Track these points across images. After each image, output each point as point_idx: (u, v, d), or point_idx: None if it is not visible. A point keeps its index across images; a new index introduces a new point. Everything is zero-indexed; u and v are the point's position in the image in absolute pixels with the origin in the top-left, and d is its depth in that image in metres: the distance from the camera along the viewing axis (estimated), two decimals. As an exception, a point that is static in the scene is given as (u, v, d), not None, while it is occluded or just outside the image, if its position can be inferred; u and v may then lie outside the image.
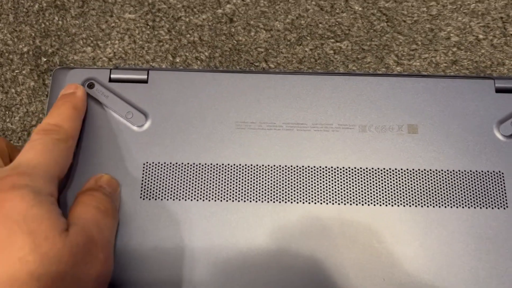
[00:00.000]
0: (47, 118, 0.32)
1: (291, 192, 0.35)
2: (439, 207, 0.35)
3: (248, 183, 0.35)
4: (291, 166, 0.35)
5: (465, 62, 0.41)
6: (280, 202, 0.35)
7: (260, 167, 0.35)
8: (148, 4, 0.42)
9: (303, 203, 0.35)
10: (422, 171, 0.36)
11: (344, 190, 0.35)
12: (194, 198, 0.34)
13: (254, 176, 0.35)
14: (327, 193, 0.35)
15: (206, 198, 0.34)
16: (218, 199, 0.34)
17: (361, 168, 0.36)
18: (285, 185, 0.35)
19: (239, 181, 0.35)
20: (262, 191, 0.35)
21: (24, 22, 0.41)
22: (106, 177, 0.33)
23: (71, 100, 0.34)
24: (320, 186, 0.35)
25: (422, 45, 0.41)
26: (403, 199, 0.35)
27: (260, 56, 0.41)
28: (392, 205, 0.35)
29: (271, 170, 0.35)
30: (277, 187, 0.35)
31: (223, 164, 0.35)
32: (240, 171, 0.35)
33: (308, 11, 0.42)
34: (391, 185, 0.35)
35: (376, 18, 0.42)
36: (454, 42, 0.41)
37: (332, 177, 0.35)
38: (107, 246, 0.30)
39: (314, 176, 0.35)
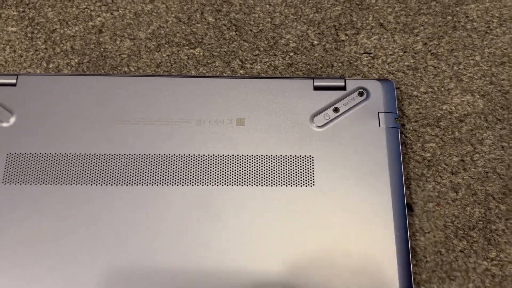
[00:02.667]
0: None
1: (143, 177, 0.41)
2: (262, 186, 0.42)
3: (103, 169, 0.41)
4: (144, 154, 0.42)
5: (300, 65, 0.48)
6: (130, 185, 0.41)
7: (113, 155, 0.42)
8: (28, 19, 0.49)
9: (152, 185, 0.41)
10: (247, 156, 0.42)
11: (186, 173, 0.42)
12: (53, 183, 0.41)
13: (110, 164, 0.42)
14: (170, 176, 0.41)
15: (62, 183, 0.41)
16: (71, 183, 0.41)
17: (198, 154, 0.42)
18: (139, 171, 0.42)
19: (94, 168, 0.41)
20: (117, 177, 0.41)
21: None
22: None
23: None
24: (165, 171, 0.42)
25: (264, 51, 0.48)
26: (232, 180, 0.42)
27: (123, 61, 0.47)
28: (222, 185, 0.41)
29: (124, 158, 0.42)
30: (129, 172, 0.41)
31: (75, 154, 0.42)
32: (93, 160, 0.42)
33: (167, 22, 0.49)
34: (221, 169, 0.42)
35: (227, 28, 0.49)
36: (292, 48, 0.48)
37: (173, 163, 0.42)
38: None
39: (158, 163, 0.42)
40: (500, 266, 0.41)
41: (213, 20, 0.49)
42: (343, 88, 0.44)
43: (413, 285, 0.39)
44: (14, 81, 0.44)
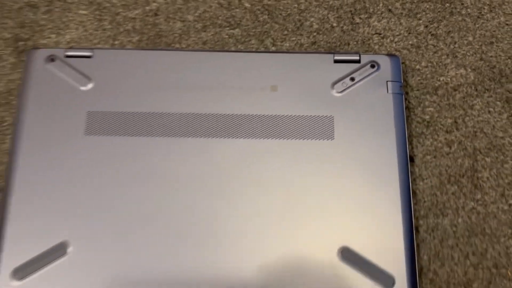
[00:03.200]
0: None
1: (197, 130, 0.51)
2: (292, 139, 0.51)
3: (165, 124, 0.51)
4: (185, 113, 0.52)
5: (322, 43, 0.57)
6: (189, 137, 0.51)
7: (172, 114, 0.52)
8: (96, 3, 0.58)
9: (205, 138, 0.51)
10: (280, 116, 0.52)
11: (231, 129, 0.51)
12: (126, 135, 0.51)
13: (170, 120, 0.52)
14: (219, 131, 0.51)
15: (133, 135, 0.51)
16: (137, 135, 0.51)
17: (240, 114, 0.52)
18: (194, 126, 0.51)
19: (157, 123, 0.51)
20: (176, 131, 0.51)
21: (7, 16, 0.58)
22: None
23: None
24: (215, 127, 0.51)
25: (292, 31, 0.58)
26: (267, 134, 0.51)
27: (176, 39, 0.57)
28: (260, 138, 0.51)
29: (182, 116, 0.52)
30: (187, 127, 0.51)
31: (141, 112, 0.52)
32: (156, 117, 0.52)
33: (211, 7, 0.59)
34: (259, 126, 0.52)
35: (260, 12, 0.59)
36: (315, 29, 0.58)
37: (220, 120, 0.52)
38: None
39: (209, 120, 0.52)
40: (484, 205, 0.51)
41: (249, 5, 0.59)
42: (358, 61, 0.54)
43: (413, 219, 0.49)
44: (90, 53, 0.54)
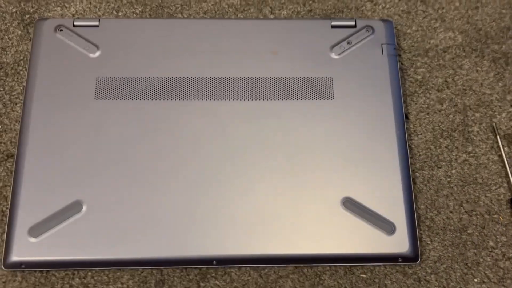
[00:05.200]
0: None
1: (199, 93, 0.54)
2: (293, 100, 0.54)
3: (170, 88, 0.53)
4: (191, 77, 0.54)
5: (317, 11, 0.60)
6: (191, 100, 0.53)
7: (176, 78, 0.54)
8: (99, -23, 0.60)
9: (207, 100, 0.53)
10: (281, 78, 0.55)
11: (234, 90, 0.54)
12: (134, 99, 0.53)
13: (174, 83, 0.54)
14: (222, 93, 0.54)
15: (140, 99, 0.53)
16: (144, 99, 0.53)
17: (243, 77, 0.54)
18: (196, 89, 0.54)
19: (162, 86, 0.53)
20: (180, 94, 0.53)
21: (12, -9, 0.60)
22: None
23: None
24: (218, 89, 0.54)
25: (289, 0, 0.61)
26: (269, 95, 0.54)
27: (177, 10, 0.59)
28: (261, 100, 0.54)
29: (186, 80, 0.54)
30: (189, 90, 0.54)
31: (147, 77, 0.54)
32: (161, 80, 0.54)
33: (211, -21, 0.61)
34: (261, 87, 0.54)
35: (258, -17, 0.61)
36: (310, -2, 0.61)
37: (223, 83, 0.54)
38: None
39: (212, 82, 0.54)
40: (476, 157, 0.55)
41: (247, -23, 0.61)
42: (354, 26, 0.57)
43: (410, 170, 0.52)
44: (97, 23, 0.56)
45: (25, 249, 0.48)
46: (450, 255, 0.51)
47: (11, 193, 0.50)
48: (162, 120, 0.52)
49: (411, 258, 0.49)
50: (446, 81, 0.57)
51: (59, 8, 0.59)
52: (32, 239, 0.48)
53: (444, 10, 0.61)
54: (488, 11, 0.61)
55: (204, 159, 0.51)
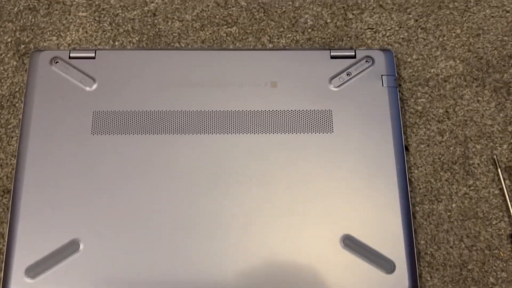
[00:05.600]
0: None
1: (198, 127, 0.53)
2: (292, 133, 0.53)
3: (167, 122, 0.53)
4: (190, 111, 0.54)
5: (316, 39, 0.59)
6: (190, 134, 0.52)
7: (173, 111, 0.53)
8: (95, 5, 0.59)
9: (206, 134, 0.53)
10: (280, 111, 0.54)
11: (234, 124, 0.53)
12: (132, 133, 0.52)
13: (172, 118, 0.53)
14: (222, 127, 0.53)
15: (138, 133, 0.52)
16: (141, 133, 0.52)
17: (242, 110, 0.54)
18: (195, 123, 0.53)
19: (160, 120, 0.53)
20: (178, 128, 0.53)
21: (7, 20, 0.59)
22: None
23: None
24: (218, 122, 0.53)
25: (287, 28, 0.60)
26: (269, 129, 0.53)
27: (175, 39, 0.59)
28: (262, 133, 0.53)
29: (183, 114, 0.53)
30: (188, 124, 0.53)
31: (145, 110, 0.53)
32: (159, 114, 0.53)
33: (208, 6, 0.60)
34: (259, 122, 0.54)
35: (256, 10, 0.60)
36: (309, 25, 0.60)
37: (223, 116, 0.54)
38: None
39: (211, 116, 0.53)
40: (476, 190, 0.54)
41: (245, 4, 0.60)
42: (354, 57, 0.56)
43: (410, 205, 0.52)
44: (93, 54, 0.55)
45: (22, 290, 0.47)
46: (450, 291, 0.50)
47: (7, 230, 0.49)
48: (160, 154, 0.52)
49: (411, 296, 0.49)
50: (447, 111, 0.57)
51: (54, 38, 0.58)
52: (29, 280, 0.47)
53: (445, 38, 0.60)
54: (490, 38, 0.60)
55: (202, 194, 0.51)
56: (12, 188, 0.51)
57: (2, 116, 0.55)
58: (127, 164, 0.51)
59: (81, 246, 0.49)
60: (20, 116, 0.54)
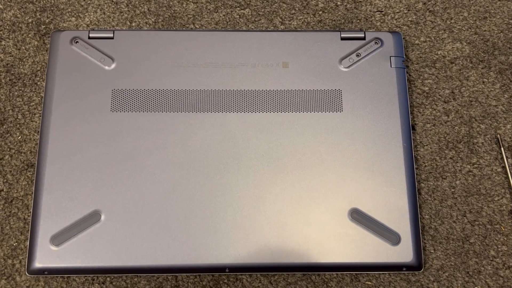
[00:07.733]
0: None
1: (210, 106, 0.55)
2: (303, 112, 0.55)
3: (183, 101, 0.55)
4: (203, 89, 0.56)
5: (327, 21, 0.61)
6: (204, 112, 0.55)
7: (188, 90, 0.55)
8: (112, -13, 0.61)
9: (217, 112, 0.55)
10: (291, 91, 0.56)
11: (246, 104, 0.55)
12: (149, 111, 0.55)
13: (187, 96, 0.55)
14: (233, 106, 0.55)
15: (155, 111, 0.55)
16: (158, 111, 0.55)
17: (254, 90, 0.56)
18: (208, 102, 0.55)
19: (176, 99, 0.55)
20: (193, 106, 0.55)
21: (28, 1, 0.61)
22: None
23: None
24: (229, 102, 0.55)
25: (299, 10, 0.61)
26: (280, 108, 0.55)
27: (189, 20, 0.61)
28: (273, 112, 0.55)
29: (197, 92, 0.56)
30: (202, 103, 0.55)
31: (162, 89, 0.55)
32: (174, 93, 0.55)
33: (222, -11, 0.62)
34: (271, 101, 0.56)
35: (269, -8, 0.62)
36: (320, 7, 0.62)
37: (235, 96, 0.56)
38: None
39: (224, 96, 0.56)
40: (480, 168, 0.56)
41: (258, -14, 0.62)
42: (363, 38, 0.58)
43: (415, 181, 0.54)
44: (111, 35, 0.57)
45: (47, 257, 0.50)
46: (452, 263, 0.53)
47: (32, 202, 0.52)
48: (176, 131, 0.54)
49: (415, 267, 0.51)
50: (452, 92, 0.59)
51: (73, 18, 0.60)
52: (54, 248, 0.50)
53: (452, 21, 0.61)
54: (496, 21, 0.61)
55: (216, 170, 0.53)
56: (36, 162, 0.53)
57: (25, 94, 0.57)
58: (144, 140, 0.54)
59: (102, 217, 0.51)
60: (42, 94, 0.57)
